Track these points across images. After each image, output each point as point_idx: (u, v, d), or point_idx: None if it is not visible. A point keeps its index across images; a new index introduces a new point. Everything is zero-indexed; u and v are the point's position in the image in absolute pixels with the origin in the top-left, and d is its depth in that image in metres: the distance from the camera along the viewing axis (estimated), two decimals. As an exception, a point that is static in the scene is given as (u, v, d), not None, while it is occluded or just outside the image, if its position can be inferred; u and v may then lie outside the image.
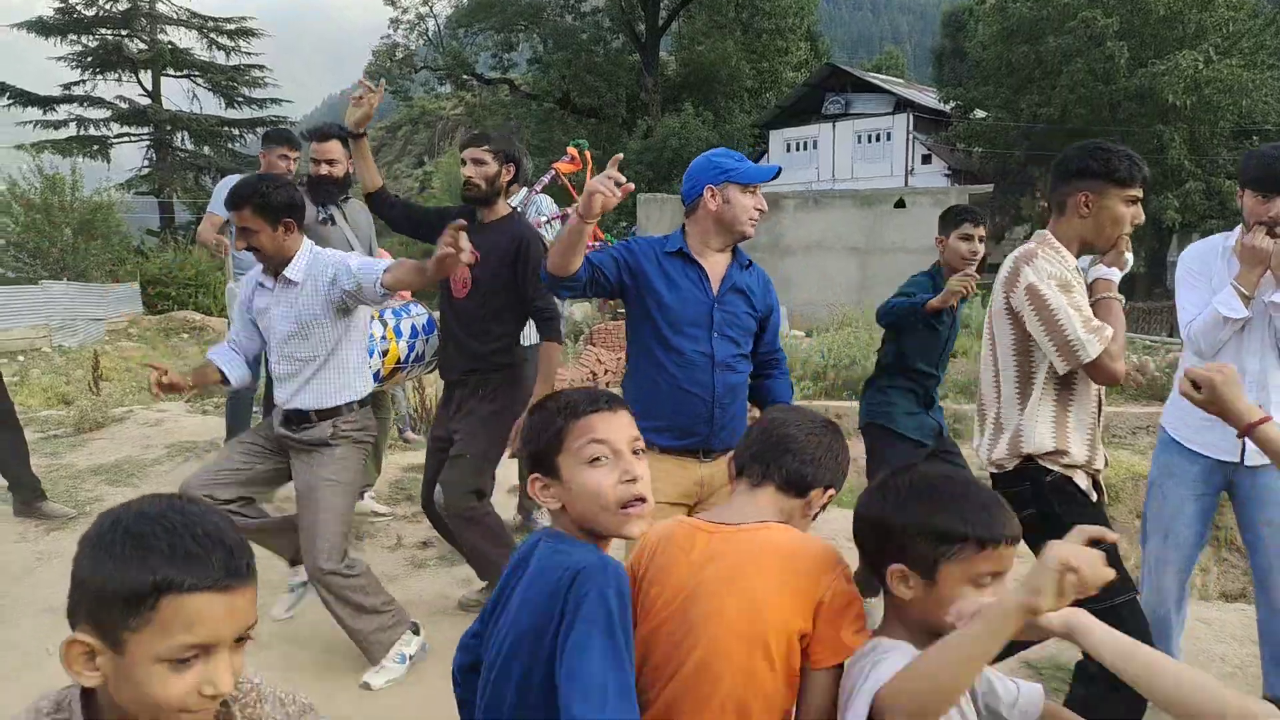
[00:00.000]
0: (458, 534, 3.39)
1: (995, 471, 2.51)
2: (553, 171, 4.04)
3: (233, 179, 5.03)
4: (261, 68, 27.62)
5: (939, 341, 3.61)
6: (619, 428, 1.48)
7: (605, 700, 1.30)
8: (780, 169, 2.75)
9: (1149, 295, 26.39)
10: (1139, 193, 2.39)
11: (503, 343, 3.37)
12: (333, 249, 3.10)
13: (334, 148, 4.14)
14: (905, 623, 1.49)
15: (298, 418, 3.02)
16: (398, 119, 39.77)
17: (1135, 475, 6.21)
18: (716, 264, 2.69)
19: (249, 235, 2.86)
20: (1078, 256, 2.45)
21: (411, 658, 3.14)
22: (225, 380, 3.09)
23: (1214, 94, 21.97)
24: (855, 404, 8.12)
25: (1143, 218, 2.43)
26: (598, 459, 1.45)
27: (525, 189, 4.19)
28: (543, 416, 1.50)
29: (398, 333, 3.86)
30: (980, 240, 3.58)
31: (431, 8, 34.69)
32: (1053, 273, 2.34)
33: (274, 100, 27.76)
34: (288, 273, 2.94)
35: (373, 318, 3.95)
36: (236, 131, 27.34)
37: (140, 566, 0.98)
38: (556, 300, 3.33)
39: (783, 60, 34.79)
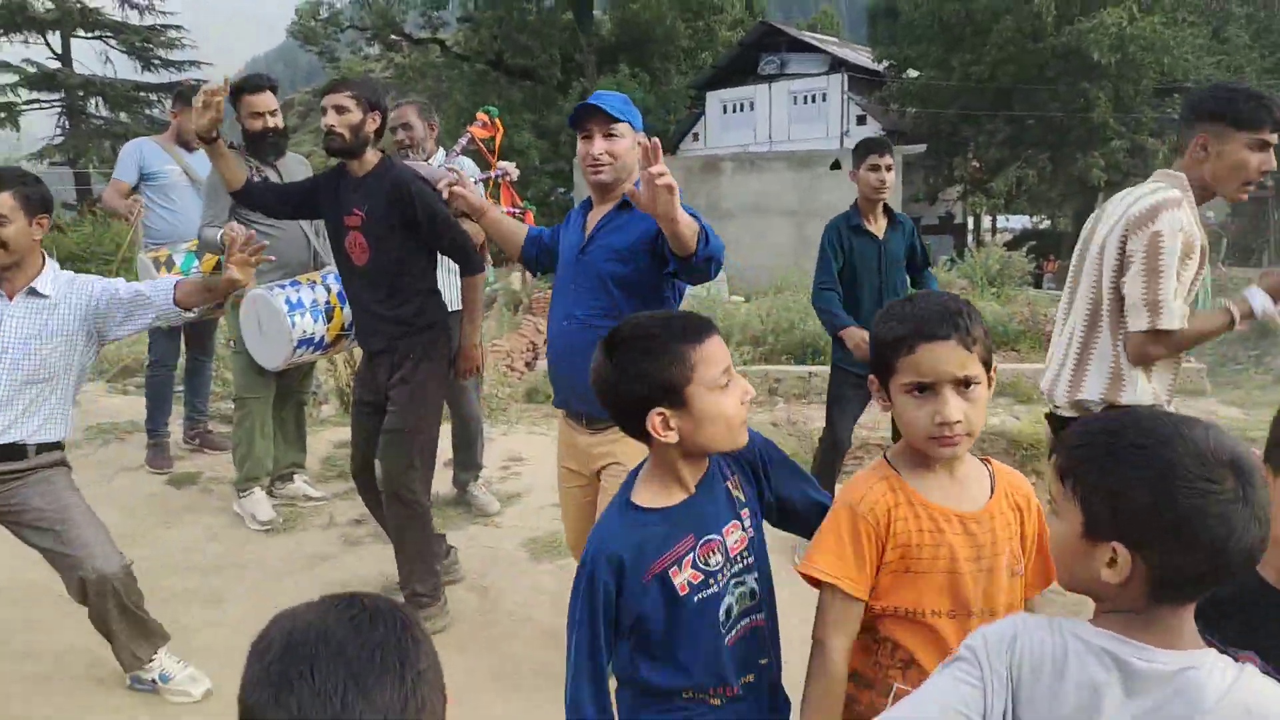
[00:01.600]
0: (390, 516, 3.26)
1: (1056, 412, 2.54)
2: (469, 134, 3.94)
3: (141, 141, 4.83)
4: (178, 28, 26.43)
5: (870, 281, 3.79)
6: (724, 347, 1.51)
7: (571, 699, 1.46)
8: (588, 103, 2.47)
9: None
10: (1268, 136, 2.26)
11: (419, 300, 3.20)
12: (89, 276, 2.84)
13: (269, 99, 3.97)
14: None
15: (10, 453, 2.65)
16: (324, 83, 38.50)
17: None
18: (596, 215, 2.56)
19: (1, 224, 2.55)
20: (1199, 203, 2.36)
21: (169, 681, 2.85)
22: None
23: (1137, 51, 22.40)
24: (795, 369, 8.20)
25: (1273, 164, 2.31)
26: (724, 384, 1.46)
27: (443, 151, 4.08)
28: (665, 348, 1.44)
29: (341, 298, 3.69)
30: (888, 169, 3.76)
31: (357, -36, 33.59)
32: (1186, 230, 2.26)
33: (193, 63, 26.58)
34: (36, 284, 2.66)
35: (314, 282, 3.81)
36: (154, 97, 26.18)
37: None
38: (463, 230, 3.22)
39: (718, 19, 34.48)
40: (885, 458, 1.53)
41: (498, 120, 4.01)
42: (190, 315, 2.96)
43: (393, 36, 33.43)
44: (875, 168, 3.75)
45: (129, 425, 5.36)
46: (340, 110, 3.06)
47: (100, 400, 6.03)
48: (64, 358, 2.72)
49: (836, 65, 31.40)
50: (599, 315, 2.41)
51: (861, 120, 30.88)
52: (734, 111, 33.03)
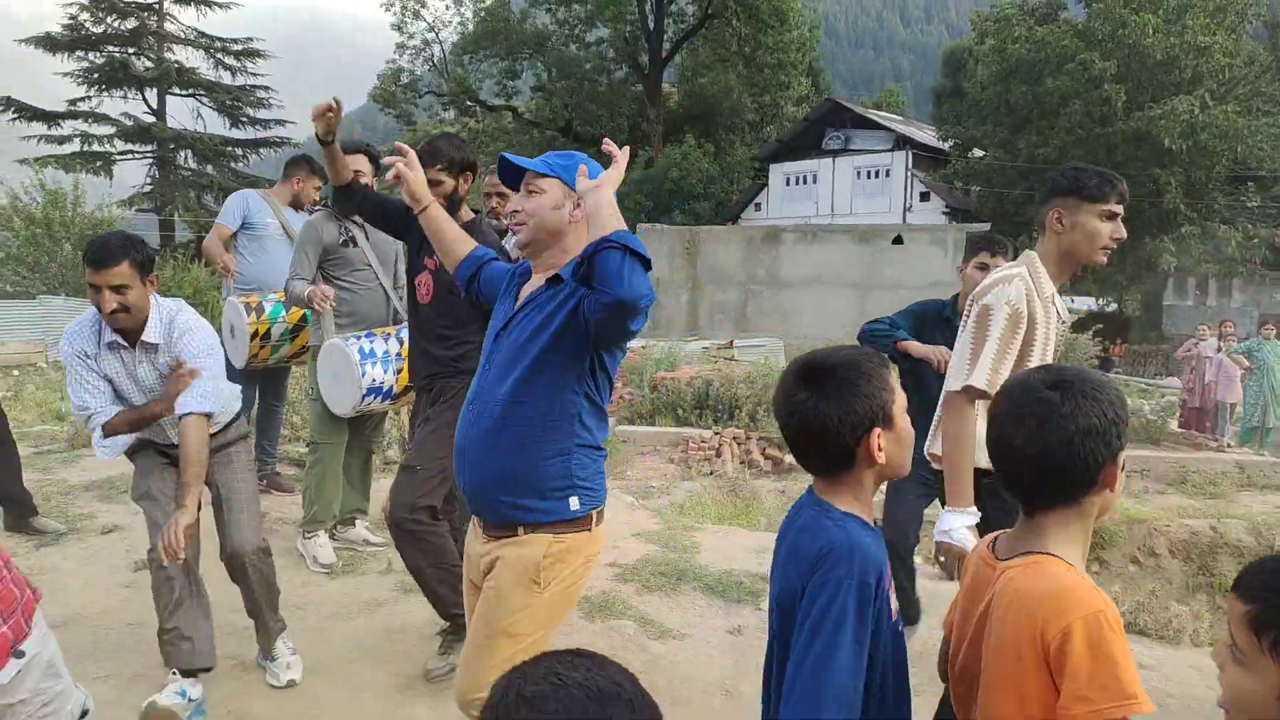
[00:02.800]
0: (400, 550, 3.24)
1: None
2: None
3: (247, 192, 5.08)
4: (267, 89, 27.79)
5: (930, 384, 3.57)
6: None
7: (819, 705, 1.36)
8: (506, 159, 2.27)
9: (1144, 338, 26.50)
10: (1114, 208, 2.46)
11: (465, 349, 3.26)
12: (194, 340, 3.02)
13: (360, 160, 4.12)
14: None
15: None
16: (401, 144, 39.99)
17: (1130, 519, 6.20)
18: (528, 288, 2.26)
19: (121, 292, 2.79)
20: (1064, 275, 2.58)
21: None
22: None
23: (1209, 139, 22.19)
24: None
25: (1123, 233, 2.50)
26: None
27: None
28: (875, 372, 1.51)
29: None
30: (983, 269, 3.57)
31: (438, 34, 35.08)
32: (1013, 302, 2.48)
33: (278, 121, 27.89)
34: (146, 336, 2.92)
35: (389, 334, 3.95)
36: (240, 151, 27.46)
37: None
38: None
39: (784, 94, 35.15)
40: (1052, 553, 1.44)
41: None
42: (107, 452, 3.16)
43: (468, 103, 34.66)
44: (983, 266, 3.56)
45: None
46: (435, 184, 3.16)
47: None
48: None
49: (901, 142, 31.62)
50: (508, 401, 2.08)
51: (925, 196, 30.94)
52: (797, 184, 33.36)
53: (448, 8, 35.58)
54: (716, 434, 8.04)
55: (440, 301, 3.27)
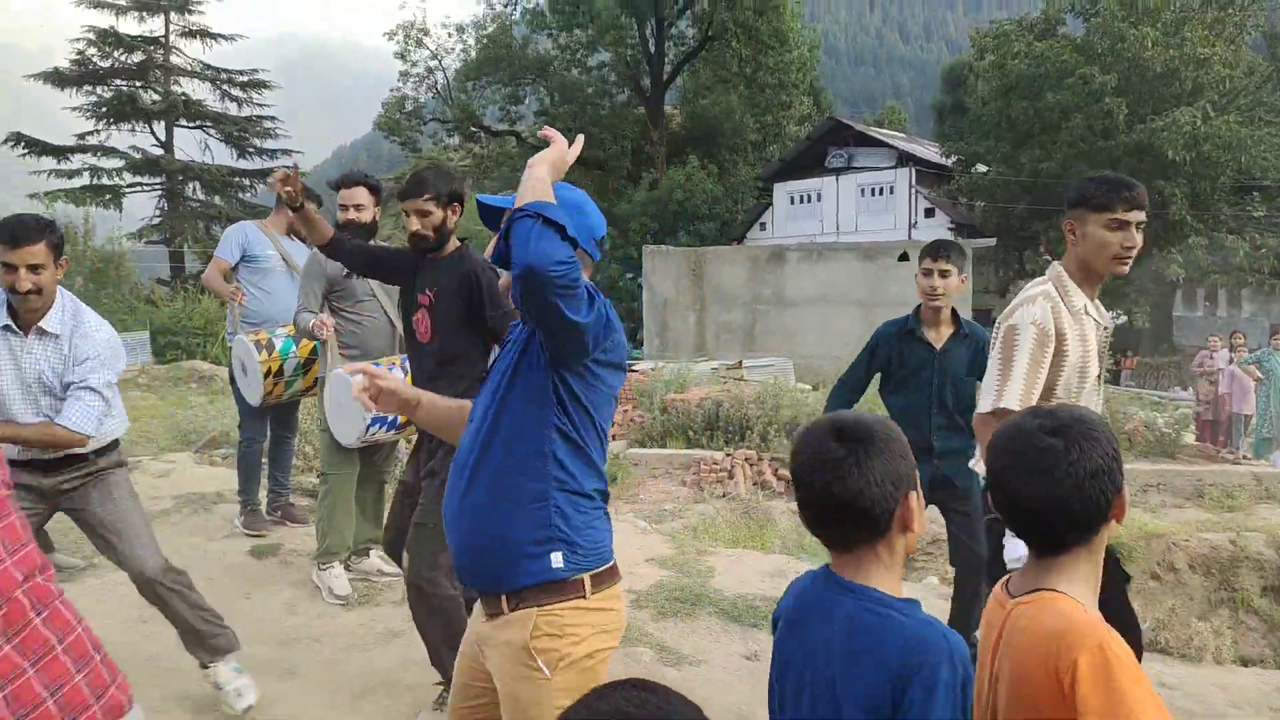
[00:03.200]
0: (413, 609, 3.17)
1: None
2: None
3: (245, 224, 5.12)
4: (273, 119, 28.08)
5: (921, 392, 3.59)
6: None
7: None
8: (480, 202, 2.10)
9: (1155, 350, 26.41)
10: (1122, 216, 2.44)
11: (465, 387, 3.17)
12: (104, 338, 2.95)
13: (360, 193, 4.15)
14: None
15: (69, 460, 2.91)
16: (406, 170, 40.32)
17: (1148, 534, 6.16)
18: None
19: (37, 271, 2.73)
20: (1090, 285, 2.56)
21: None
22: None
23: (1213, 150, 22.21)
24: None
25: (1134, 241, 2.48)
26: None
27: None
28: (900, 437, 1.47)
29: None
30: (941, 275, 3.52)
31: (441, 62, 35.39)
32: (1039, 322, 2.46)
33: (284, 151, 28.15)
34: (46, 324, 2.83)
35: (393, 364, 3.96)
36: (247, 181, 27.70)
37: None
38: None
39: (786, 114, 35.31)
40: (1061, 590, 1.44)
41: None
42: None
43: (472, 129, 34.92)
44: (928, 272, 3.53)
45: (215, 496, 5.55)
46: (423, 214, 3.16)
47: (190, 470, 6.27)
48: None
49: (904, 159, 31.71)
50: (478, 448, 1.90)
51: (930, 213, 30.98)
52: (801, 203, 33.46)
53: (450, 35, 35.77)
54: (728, 455, 8.02)
55: (439, 338, 3.23)
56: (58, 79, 25.84)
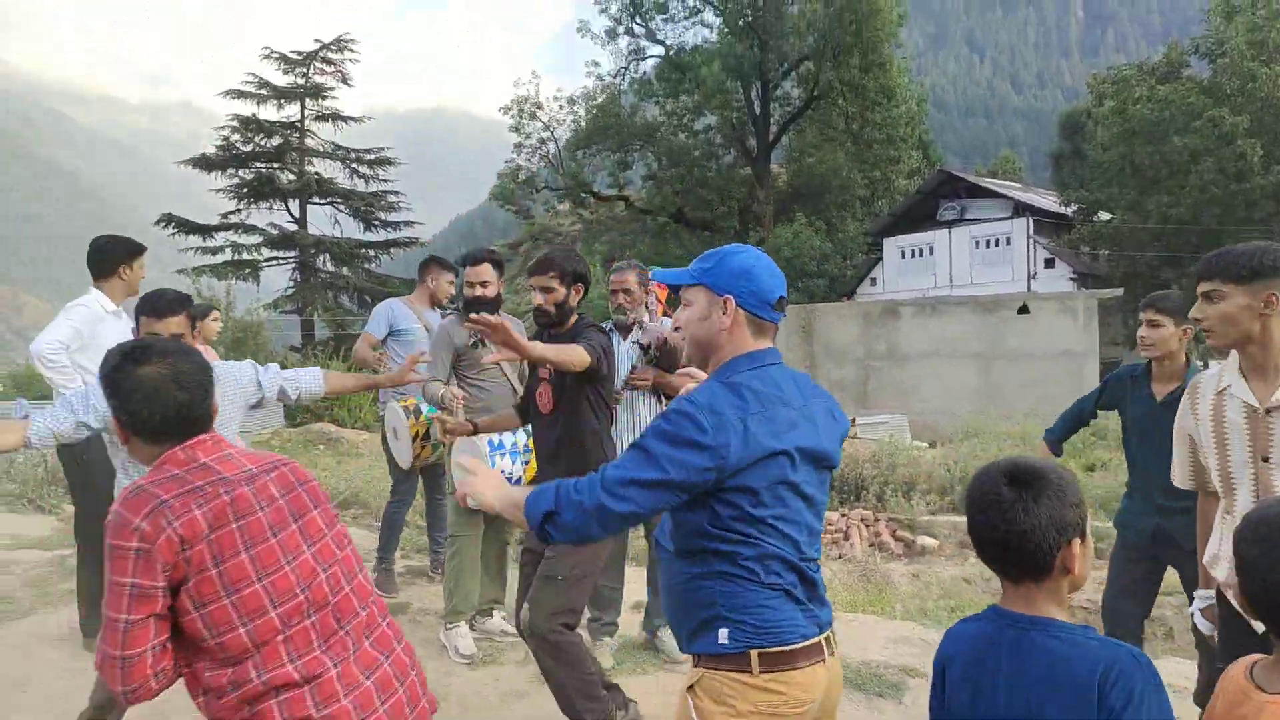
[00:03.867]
0: (539, 660, 3.24)
1: None
2: (654, 295, 4.27)
3: (392, 301, 5.43)
4: (397, 193, 29.60)
5: (1149, 435, 3.48)
6: None
7: None
8: (660, 278, 2.16)
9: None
10: (1204, 285, 2.39)
11: (588, 451, 3.32)
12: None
13: (485, 270, 4.36)
14: None
15: None
16: (520, 237, 41.78)
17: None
18: None
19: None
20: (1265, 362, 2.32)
21: None
22: None
23: (1362, 188, 20.89)
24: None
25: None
26: None
27: (646, 311, 4.35)
28: (1074, 484, 1.53)
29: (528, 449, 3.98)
30: (1150, 325, 3.48)
31: (553, 132, 36.72)
32: (1184, 403, 2.48)
33: (407, 223, 29.58)
34: None
35: (517, 428, 4.11)
36: (373, 253, 29.18)
37: None
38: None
39: (894, 168, 35.05)
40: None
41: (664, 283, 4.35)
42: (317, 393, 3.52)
43: (582, 194, 35.96)
44: (1140, 323, 3.55)
45: (346, 554, 5.78)
46: (547, 291, 3.34)
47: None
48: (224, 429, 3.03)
49: (1020, 209, 30.91)
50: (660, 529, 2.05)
51: (1050, 263, 29.99)
52: (913, 256, 32.93)
53: (561, 107, 37.09)
54: (843, 515, 7.88)
55: (561, 406, 3.35)
56: (205, 164, 28.00)
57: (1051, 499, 1.47)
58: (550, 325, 3.41)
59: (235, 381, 3.30)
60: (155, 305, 3.06)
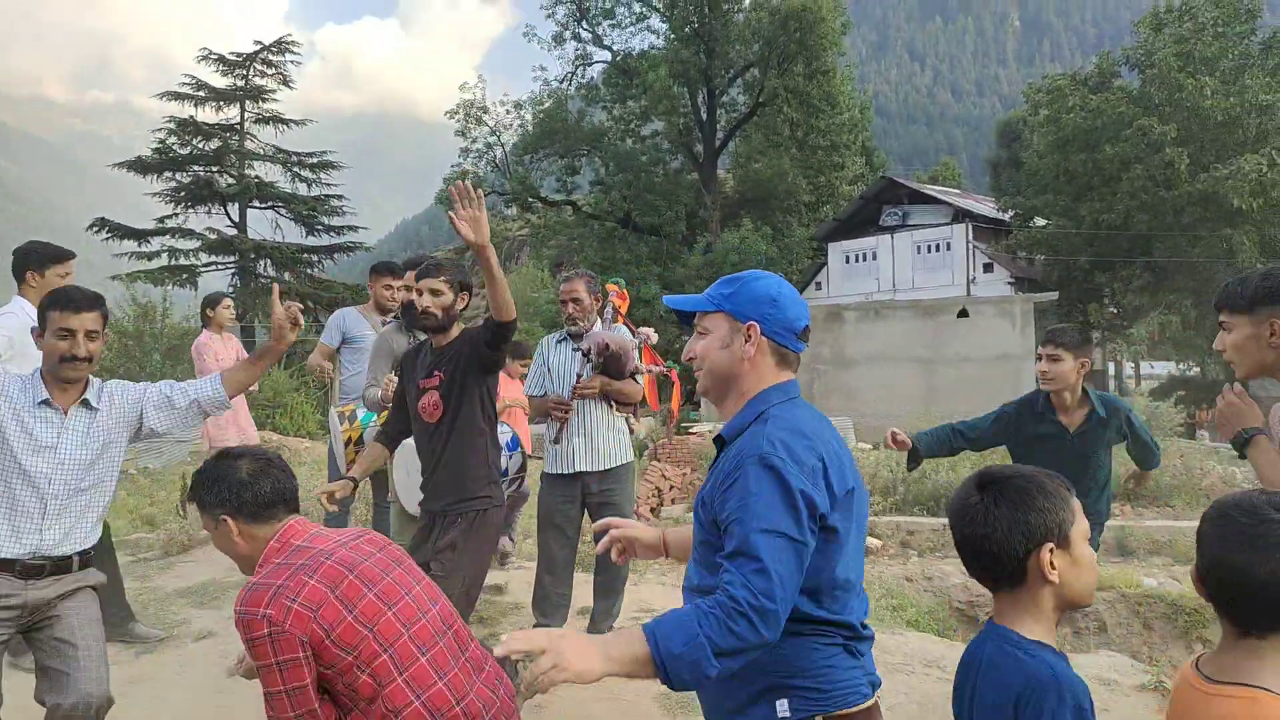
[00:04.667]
0: None
1: None
2: (612, 305, 4.29)
3: (345, 310, 5.38)
4: (340, 197, 29.13)
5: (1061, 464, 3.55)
6: None
7: None
8: (670, 305, 1.98)
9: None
10: (1220, 316, 2.34)
11: (479, 463, 3.41)
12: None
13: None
14: None
15: (59, 566, 2.72)
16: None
17: None
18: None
19: (94, 338, 2.73)
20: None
21: None
22: None
23: (1282, 195, 21.74)
24: (929, 520, 7.98)
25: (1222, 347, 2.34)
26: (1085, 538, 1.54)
27: (599, 320, 4.36)
28: (1055, 491, 1.51)
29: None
30: (1049, 359, 3.56)
31: (499, 137, 36.52)
32: None
33: (350, 227, 29.14)
34: (88, 396, 2.79)
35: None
36: (315, 258, 28.69)
37: None
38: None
39: (838, 174, 35.54)
40: (1270, 689, 1.35)
41: (624, 290, 4.37)
42: (228, 408, 3.11)
43: (530, 199, 35.82)
44: (1039, 357, 3.65)
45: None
46: (436, 293, 3.40)
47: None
48: (110, 462, 2.83)
49: (960, 215, 31.58)
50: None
51: (989, 268, 30.68)
52: (857, 261, 33.43)
53: (508, 112, 36.94)
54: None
55: (451, 412, 3.39)
56: (140, 167, 27.25)
57: (1014, 503, 1.48)
58: (435, 329, 3.45)
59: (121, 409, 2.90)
60: (71, 298, 2.74)
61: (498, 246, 39.75)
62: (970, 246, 30.79)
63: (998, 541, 1.48)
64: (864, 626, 1.77)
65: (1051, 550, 1.47)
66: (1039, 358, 3.63)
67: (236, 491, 2.02)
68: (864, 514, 1.79)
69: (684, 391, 17.48)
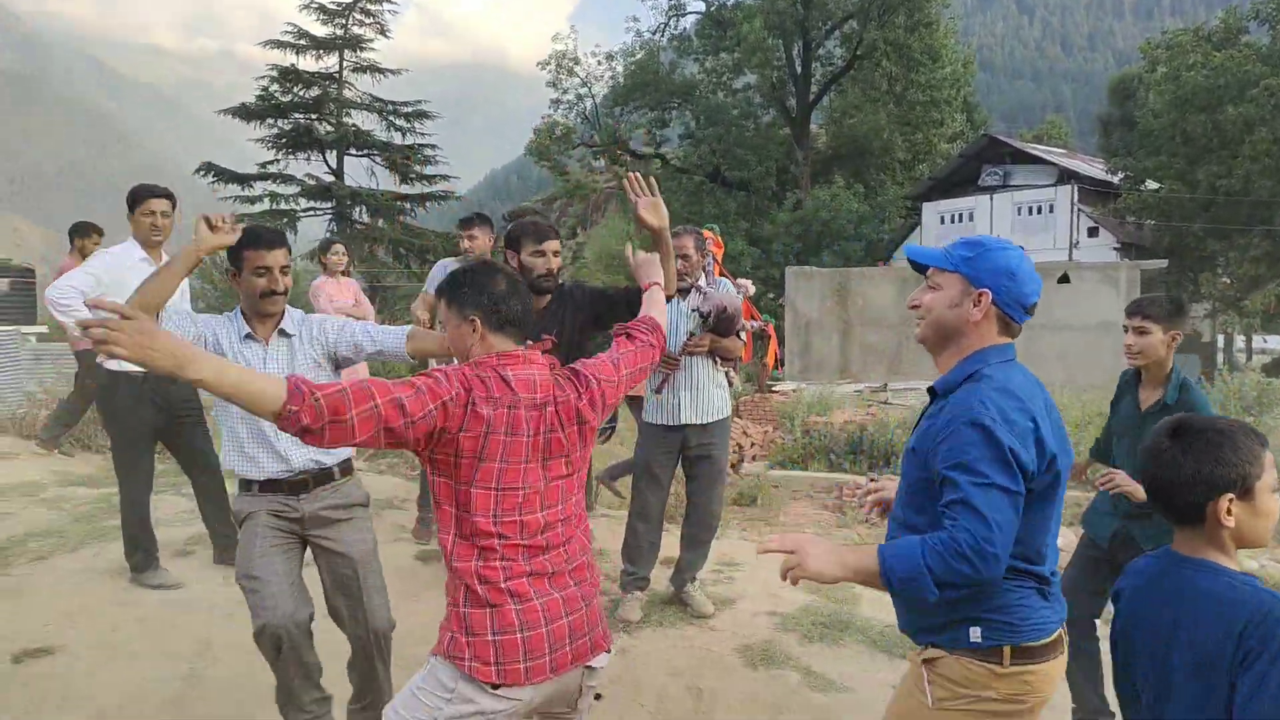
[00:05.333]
0: None
1: None
2: (712, 256, 4.29)
3: (446, 261, 5.48)
4: (433, 147, 29.54)
5: (1124, 441, 3.40)
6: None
7: None
8: (908, 255, 2.16)
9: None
10: None
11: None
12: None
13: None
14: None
15: (321, 477, 2.91)
16: (554, 192, 41.65)
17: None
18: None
19: (286, 272, 2.87)
20: None
21: None
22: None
23: None
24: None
25: None
26: (1277, 489, 1.63)
27: (703, 274, 4.36)
28: (1246, 445, 1.58)
29: None
30: (1136, 332, 3.28)
31: (590, 89, 36.38)
32: None
33: (442, 176, 29.55)
34: (284, 325, 2.92)
35: None
36: (408, 205, 29.24)
37: None
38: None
39: (937, 132, 34.38)
40: None
41: (719, 238, 4.37)
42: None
43: (618, 152, 35.69)
44: (1124, 329, 3.36)
45: (385, 502, 5.90)
46: (557, 254, 3.51)
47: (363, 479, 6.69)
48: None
49: (1065, 176, 30.25)
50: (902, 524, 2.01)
51: (1093, 232, 29.42)
52: (952, 222, 32.42)
53: (599, 63, 36.69)
54: (872, 479, 7.88)
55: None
56: (244, 113, 28.09)
57: (1200, 455, 1.57)
58: (548, 292, 3.52)
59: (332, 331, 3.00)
60: (263, 237, 2.89)
61: (584, 199, 39.87)
62: (1075, 209, 29.52)
63: (1180, 488, 1.59)
64: (1053, 574, 1.93)
65: (1231, 500, 1.56)
66: (1125, 329, 3.37)
67: (493, 300, 2.11)
68: (1066, 474, 1.88)
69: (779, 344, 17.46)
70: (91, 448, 7.71)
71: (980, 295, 1.92)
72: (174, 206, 4.43)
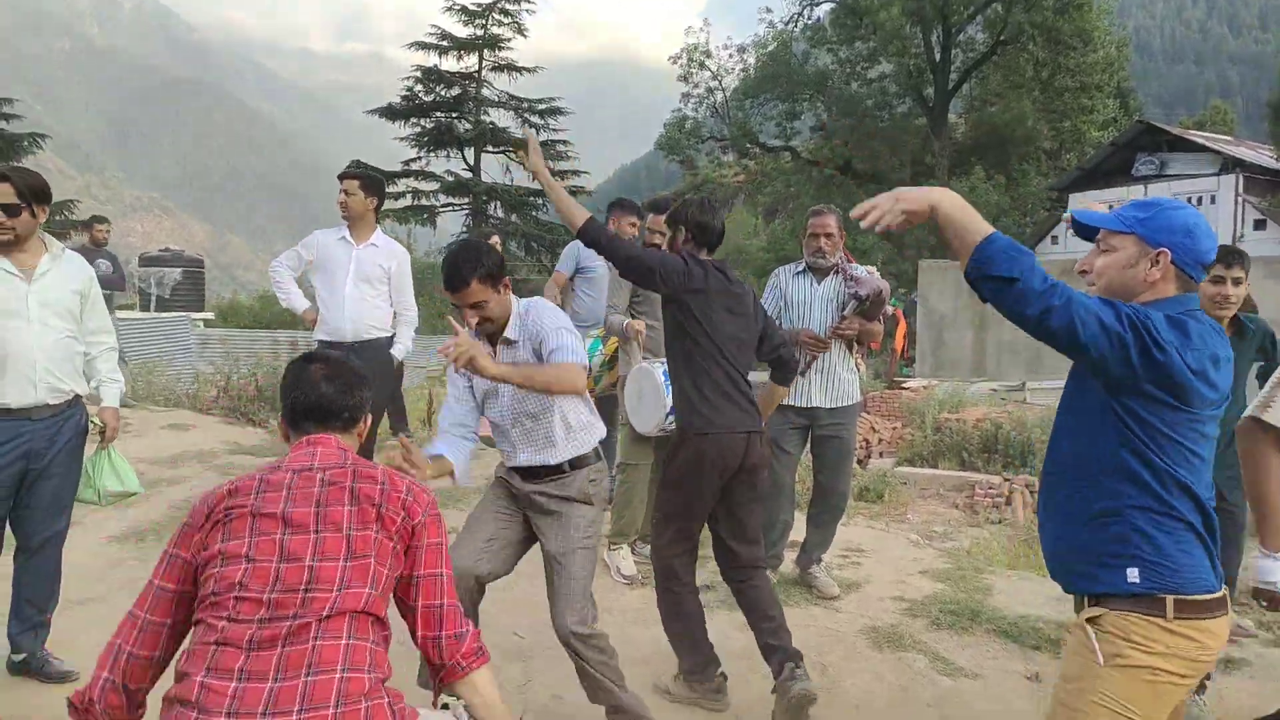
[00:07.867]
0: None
1: None
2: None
3: (578, 241, 5.68)
4: (566, 143, 30.22)
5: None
6: None
7: None
8: (1077, 219, 2.12)
9: None
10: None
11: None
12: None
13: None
14: None
15: (548, 471, 3.00)
16: (682, 187, 41.89)
17: None
18: None
19: (481, 308, 2.86)
20: None
21: None
22: (454, 475, 2.94)
23: None
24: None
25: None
26: None
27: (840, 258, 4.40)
28: None
29: None
30: (1234, 283, 3.33)
31: (720, 82, 36.36)
32: None
33: (574, 171, 30.19)
34: (507, 333, 2.97)
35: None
36: (540, 201, 30.01)
37: None
38: None
39: (1086, 119, 32.67)
40: None
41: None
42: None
43: (748, 145, 35.54)
44: (1219, 280, 3.30)
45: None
46: (665, 234, 3.73)
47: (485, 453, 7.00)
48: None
49: (1229, 164, 28.23)
50: (1056, 457, 2.08)
51: (1260, 224, 27.39)
52: (1101, 215, 30.76)
53: (731, 56, 36.64)
54: (1006, 480, 7.67)
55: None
56: (389, 113, 29.48)
57: None
58: None
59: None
60: (448, 279, 2.87)
61: (711, 192, 39.94)
62: (1240, 199, 27.53)
63: None
64: (1210, 517, 1.87)
65: None
66: (1217, 280, 3.30)
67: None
68: (1217, 419, 1.89)
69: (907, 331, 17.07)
70: (255, 423, 8.35)
71: (1159, 254, 1.90)
72: (364, 187, 4.86)
